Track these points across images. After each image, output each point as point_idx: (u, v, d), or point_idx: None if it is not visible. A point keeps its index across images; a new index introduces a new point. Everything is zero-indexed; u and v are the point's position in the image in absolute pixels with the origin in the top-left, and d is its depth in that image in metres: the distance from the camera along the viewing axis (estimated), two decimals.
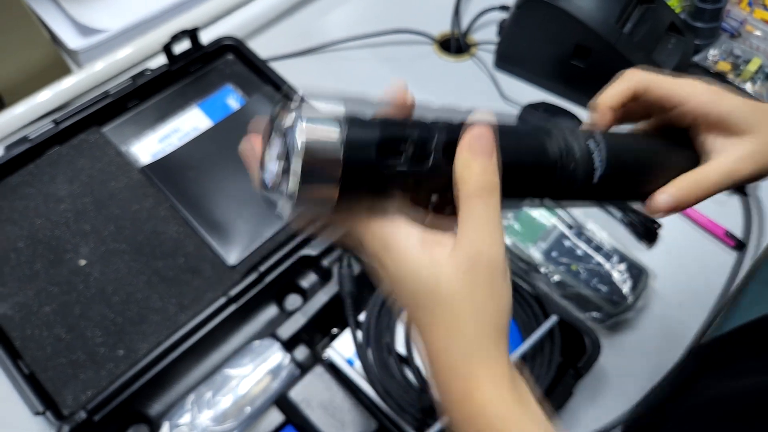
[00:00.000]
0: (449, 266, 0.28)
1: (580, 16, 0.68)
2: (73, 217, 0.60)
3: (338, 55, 0.81)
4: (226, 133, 0.66)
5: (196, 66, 0.72)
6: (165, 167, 0.64)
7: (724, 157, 0.38)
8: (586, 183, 0.36)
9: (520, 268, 0.61)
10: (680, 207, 0.38)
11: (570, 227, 0.63)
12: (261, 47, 0.75)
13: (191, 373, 0.56)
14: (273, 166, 0.30)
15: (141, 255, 0.58)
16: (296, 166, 0.27)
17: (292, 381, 0.52)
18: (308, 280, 0.61)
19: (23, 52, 0.71)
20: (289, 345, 0.55)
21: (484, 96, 0.78)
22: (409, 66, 0.80)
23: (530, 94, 0.78)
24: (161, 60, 0.70)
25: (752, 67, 0.77)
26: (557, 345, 0.53)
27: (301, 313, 0.56)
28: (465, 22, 0.84)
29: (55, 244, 0.58)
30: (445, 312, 0.28)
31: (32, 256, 0.58)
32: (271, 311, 0.60)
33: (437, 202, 0.32)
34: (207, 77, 0.72)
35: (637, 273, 0.60)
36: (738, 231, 0.67)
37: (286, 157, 0.29)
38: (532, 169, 0.34)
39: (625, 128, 0.42)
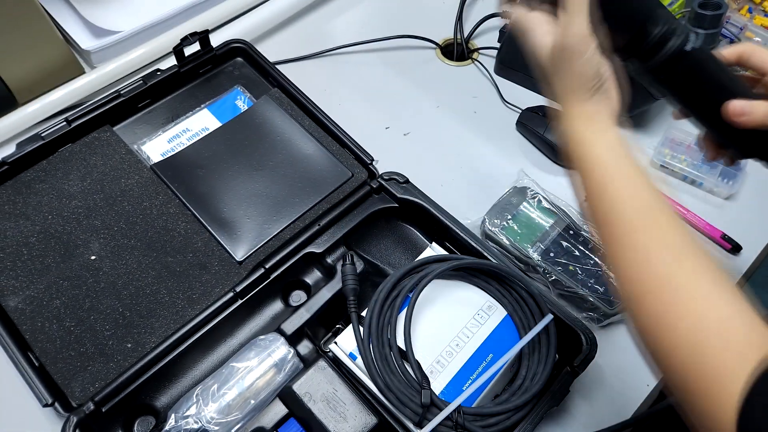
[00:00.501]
0: (551, 46, 0.43)
1: None
2: (84, 213, 0.61)
3: (344, 59, 0.83)
4: (234, 133, 0.68)
5: (205, 68, 0.74)
6: (174, 165, 0.65)
7: None
8: (678, 49, 0.41)
9: (517, 268, 0.62)
10: (752, 117, 0.42)
11: (568, 228, 0.64)
12: (269, 50, 0.77)
13: (198, 367, 0.57)
14: None
15: (151, 250, 0.60)
16: None
17: (295, 374, 0.54)
18: (313, 277, 0.63)
19: (37, 52, 0.72)
20: (293, 339, 0.56)
21: (485, 100, 0.79)
22: (413, 70, 0.82)
23: (530, 99, 0.79)
24: (172, 61, 0.71)
25: (752, 73, 0.78)
26: (553, 343, 0.54)
27: (305, 308, 0.57)
28: (468, 28, 0.86)
29: (67, 239, 0.60)
30: (549, 77, 0.44)
31: (44, 250, 0.59)
32: (276, 306, 0.61)
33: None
34: (216, 79, 0.74)
35: None
36: (734, 234, 0.68)
37: None
38: (634, 10, 0.41)
39: None
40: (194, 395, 0.53)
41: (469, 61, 0.84)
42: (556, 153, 0.73)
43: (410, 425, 0.50)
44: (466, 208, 0.66)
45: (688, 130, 0.74)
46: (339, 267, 0.59)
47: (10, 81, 0.71)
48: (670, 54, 0.42)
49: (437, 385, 0.52)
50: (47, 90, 0.73)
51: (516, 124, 0.77)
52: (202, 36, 0.70)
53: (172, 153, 0.66)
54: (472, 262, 0.57)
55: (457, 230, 0.61)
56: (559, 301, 0.61)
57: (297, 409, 0.53)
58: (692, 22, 0.77)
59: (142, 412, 0.55)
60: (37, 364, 0.53)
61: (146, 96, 0.70)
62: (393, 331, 0.53)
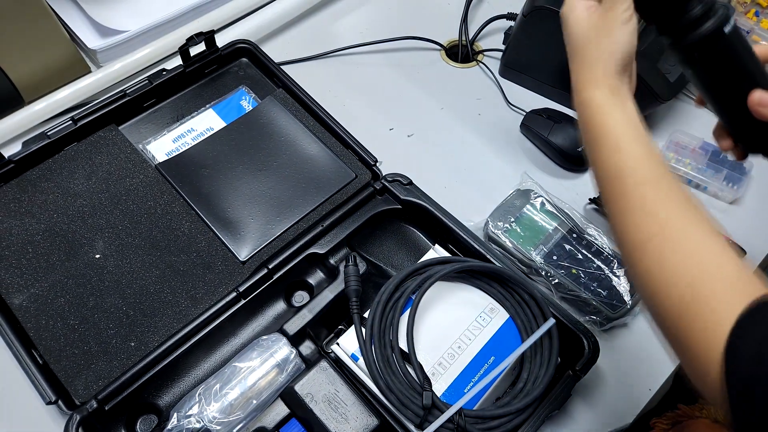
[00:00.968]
0: (591, 17, 0.45)
1: None
2: (89, 211, 0.62)
3: (349, 60, 0.83)
4: (239, 133, 0.68)
5: (211, 68, 0.74)
6: (179, 165, 0.65)
7: None
8: (717, 29, 0.42)
9: (520, 271, 0.62)
10: None
11: (571, 231, 0.64)
12: (274, 51, 0.77)
13: (200, 366, 0.58)
14: None
15: (155, 250, 0.60)
16: None
17: (297, 375, 0.54)
18: (315, 277, 0.63)
19: (43, 51, 0.73)
20: (295, 340, 0.56)
21: (489, 102, 0.79)
22: (417, 72, 0.82)
23: (535, 101, 0.79)
24: (177, 61, 0.72)
25: None
26: (556, 347, 0.54)
27: (307, 309, 0.57)
28: (473, 30, 0.86)
29: (72, 237, 0.60)
30: (580, 46, 0.46)
31: (49, 248, 0.59)
32: (279, 307, 0.61)
33: None
34: (221, 79, 0.74)
35: None
36: (739, 239, 0.68)
37: None
38: None
39: None
40: (197, 394, 0.53)
41: (474, 62, 0.84)
42: (560, 155, 0.73)
43: (411, 427, 0.50)
44: (470, 210, 0.67)
45: (693, 134, 0.74)
46: (342, 268, 0.59)
47: (17, 79, 0.72)
48: (708, 33, 0.42)
49: (439, 388, 0.52)
50: (53, 89, 0.74)
51: (520, 126, 0.76)
52: (208, 36, 0.71)
53: (177, 153, 0.67)
54: (474, 264, 0.57)
55: (460, 232, 0.61)
56: (561, 305, 0.61)
57: (298, 409, 0.53)
58: None
59: (144, 411, 0.56)
60: (41, 362, 0.54)
61: (152, 95, 0.71)
62: (395, 333, 0.53)
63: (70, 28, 0.78)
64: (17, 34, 0.70)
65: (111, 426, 0.54)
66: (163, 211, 0.62)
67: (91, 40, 0.77)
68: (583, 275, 0.61)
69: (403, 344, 0.53)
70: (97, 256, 0.59)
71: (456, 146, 0.75)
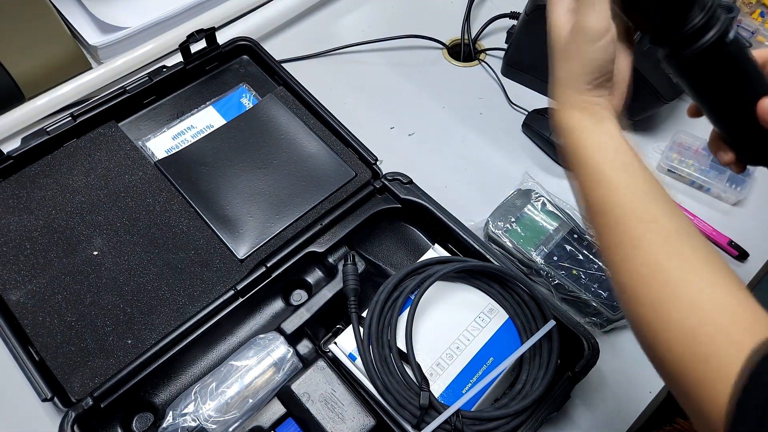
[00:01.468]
0: (566, 34, 0.41)
1: None
2: (87, 208, 0.61)
3: (350, 58, 0.83)
4: (239, 131, 0.68)
5: (211, 65, 0.74)
6: (178, 162, 0.65)
7: None
8: (719, 39, 0.39)
9: (520, 271, 0.62)
10: None
11: (572, 232, 0.64)
12: (275, 49, 0.77)
13: (197, 364, 0.57)
14: None
15: (153, 247, 0.60)
16: None
17: (294, 374, 0.54)
18: (314, 276, 0.63)
19: (44, 47, 0.73)
20: (293, 339, 0.56)
21: (491, 101, 0.79)
22: (419, 71, 0.82)
23: (537, 101, 0.79)
24: (178, 58, 0.71)
25: None
26: (555, 348, 0.53)
27: (305, 308, 0.57)
28: (475, 28, 0.86)
29: (70, 234, 0.60)
30: (555, 64, 0.42)
31: (47, 245, 0.59)
32: (276, 305, 0.61)
33: None
34: (222, 77, 0.74)
35: None
36: (742, 241, 0.67)
37: None
38: None
39: None
40: (193, 393, 0.53)
41: (476, 61, 0.83)
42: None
43: (408, 427, 0.50)
44: (470, 209, 0.66)
45: (697, 135, 0.73)
46: (340, 267, 0.59)
47: (17, 75, 0.72)
48: (711, 42, 0.39)
49: (436, 388, 0.51)
50: (54, 85, 0.74)
51: (522, 125, 0.76)
52: (209, 33, 0.70)
53: (177, 150, 0.66)
54: (474, 264, 0.57)
55: (460, 232, 0.60)
56: (561, 306, 0.60)
57: (295, 408, 0.52)
58: None
59: (140, 409, 0.55)
60: (37, 359, 0.53)
61: (152, 92, 0.70)
62: (393, 333, 0.53)
63: (71, 24, 0.78)
64: (18, 30, 0.70)
65: (107, 423, 0.54)
66: (162, 209, 0.62)
67: (92, 36, 0.77)
68: (583, 276, 0.61)
69: (401, 344, 0.52)
70: (95, 253, 0.59)
71: (457, 145, 0.75)
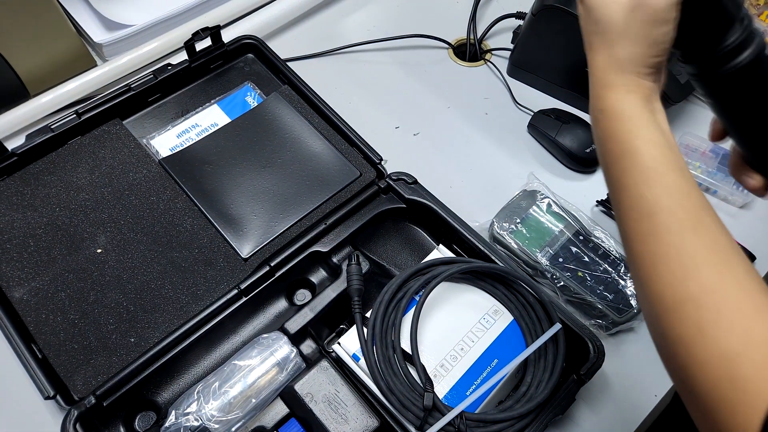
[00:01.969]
0: (624, 6, 0.37)
1: None
2: (91, 206, 0.61)
3: (356, 57, 0.82)
4: (243, 129, 0.68)
5: (216, 63, 0.73)
6: (183, 161, 0.65)
7: None
8: (756, 59, 0.37)
9: (525, 273, 0.62)
10: None
11: (577, 234, 0.63)
12: (281, 47, 0.76)
13: (200, 363, 0.57)
14: None
15: (156, 245, 0.59)
16: None
17: (298, 374, 0.53)
18: (318, 276, 0.62)
19: (49, 45, 0.73)
20: (296, 339, 0.56)
21: (496, 102, 0.79)
22: (425, 70, 0.81)
23: (543, 101, 0.78)
24: (183, 56, 0.71)
25: None
26: (561, 351, 0.53)
27: (309, 307, 0.57)
28: (481, 28, 0.85)
29: (73, 231, 0.60)
30: (608, 36, 0.38)
31: (50, 242, 0.59)
32: (280, 305, 0.61)
33: None
34: (227, 75, 0.74)
35: None
36: (748, 244, 0.67)
37: None
38: (722, 8, 0.37)
39: None
40: (195, 392, 0.52)
41: (482, 61, 0.83)
42: (568, 156, 0.72)
43: (412, 429, 0.50)
44: (475, 210, 0.66)
45: (703, 137, 0.73)
46: (344, 267, 0.58)
47: (23, 72, 0.72)
48: (748, 61, 0.37)
49: (440, 389, 0.51)
50: (59, 82, 0.74)
51: (527, 126, 0.76)
52: (214, 31, 0.70)
53: (181, 148, 0.66)
54: (479, 265, 0.56)
55: (465, 233, 0.60)
56: (567, 308, 0.60)
57: (298, 409, 0.52)
58: None
59: (143, 408, 0.55)
60: (40, 356, 0.53)
61: (156, 90, 0.70)
62: (397, 334, 0.53)
63: (76, 21, 0.78)
64: (24, 28, 0.70)
65: (109, 422, 0.54)
66: (166, 207, 0.62)
67: (97, 34, 0.77)
68: (589, 278, 0.60)
69: (405, 345, 0.52)
70: (99, 250, 0.59)
71: (462, 145, 0.75)
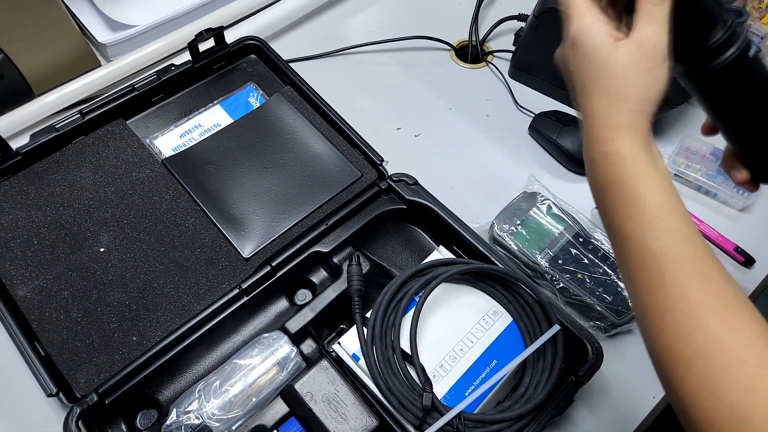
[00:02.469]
0: (623, 46, 0.37)
1: None
2: (95, 205, 0.62)
3: (358, 59, 0.83)
4: (245, 130, 0.68)
5: (219, 64, 0.74)
6: (185, 161, 0.65)
7: None
8: (740, 56, 0.39)
9: (525, 274, 0.62)
10: None
11: (577, 236, 0.64)
12: (283, 48, 0.77)
13: (201, 362, 0.58)
14: None
15: (159, 244, 0.60)
16: None
17: (298, 374, 0.54)
18: (318, 276, 0.63)
19: (54, 44, 0.73)
20: (297, 338, 0.56)
21: (498, 104, 0.79)
22: (426, 71, 0.82)
23: (544, 103, 0.79)
24: (186, 57, 0.72)
25: None
26: (560, 353, 0.53)
27: (310, 307, 0.57)
28: (483, 30, 0.85)
29: (77, 230, 0.60)
30: (608, 78, 0.37)
31: (54, 241, 0.59)
32: (281, 304, 0.61)
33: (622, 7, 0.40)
34: (230, 76, 0.74)
35: None
36: (748, 247, 0.67)
37: None
38: (704, 9, 0.38)
39: None
40: (196, 390, 0.53)
41: (483, 63, 0.83)
42: (568, 158, 0.72)
43: (411, 429, 0.50)
44: (475, 211, 0.66)
45: (704, 140, 0.73)
46: (345, 267, 0.59)
47: (27, 72, 0.72)
48: (733, 59, 0.39)
49: (439, 390, 0.51)
50: (63, 82, 0.74)
51: (528, 128, 0.76)
52: (217, 32, 0.71)
53: (184, 148, 0.67)
54: (479, 266, 0.57)
55: (465, 234, 0.60)
56: (566, 309, 0.60)
57: (298, 408, 0.53)
58: None
59: (144, 406, 0.56)
60: (43, 354, 0.54)
61: (160, 90, 0.71)
62: (397, 334, 0.53)
63: (80, 21, 0.78)
64: (28, 28, 0.70)
65: (111, 420, 0.54)
66: (168, 207, 0.62)
67: (101, 34, 0.77)
68: (588, 280, 0.61)
69: (404, 345, 0.52)
70: (102, 249, 0.59)
71: (463, 147, 0.75)
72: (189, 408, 0.52)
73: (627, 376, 0.59)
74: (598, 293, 0.60)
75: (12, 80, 0.72)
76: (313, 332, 0.58)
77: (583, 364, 0.54)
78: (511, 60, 0.81)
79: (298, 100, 0.71)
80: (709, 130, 0.45)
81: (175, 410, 0.52)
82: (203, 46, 0.71)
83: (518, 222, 0.65)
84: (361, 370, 0.53)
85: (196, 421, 0.51)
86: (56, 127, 0.65)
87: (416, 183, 0.64)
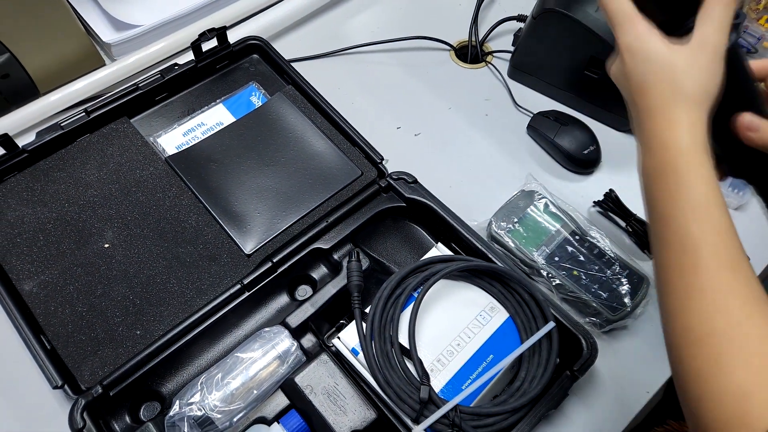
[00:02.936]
0: (684, 44, 0.39)
1: (596, 29, 0.69)
2: (99, 202, 0.63)
3: (359, 58, 0.84)
4: (248, 128, 0.69)
5: (222, 63, 0.75)
6: (188, 159, 0.66)
7: None
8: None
9: (522, 271, 0.63)
10: (760, 135, 0.41)
11: (574, 233, 0.65)
12: (285, 48, 0.78)
13: (203, 356, 0.59)
14: None
15: (162, 241, 0.61)
16: None
17: (298, 367, 0.55)
18: (319, 272, 0.64)
19: (59, 44, 0.74)
20: (297, 333, 0.57)
21: (497, 103, 0.80)
22: (426, 71, 0.83)
23: (542, 103, 0.80)
24: (189, 56, 0.73)
25: None
26: (555, 348, 0.54)
27: (310, 303, 0.58)
28: (482, 30, 0.86)
29: (82, 226, 0.61)
30: (670, 73, 0.39)
31: (59, 237, 0.60)
32: (282, 300, 0.62)
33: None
34: (232, 75, 0.75)
35: (638, 281, 0.61)
36: (744, 245, 0.67)
37: None
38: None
39: None
40: (199, 383, 0.54)
41: (483, 63, 0.84)
42: (566, 157, 0.73)
43: (408, 421, 0.51)
44: (474, 209, 0.67)
45: None
46: (345, 263, 0.60)
47: (33, 71, 0.73)
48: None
49: (437, 384, 0.52)
50: (68, 81, 0.75)
51: (527, 128, 0.77)
52: (220, 32, 0.72)
53: (187, 146, 0.68)
54: (476, 263, 0.57)
55: (463, 231, 0.61)
56: (562, 306, 0.61)
57: (298, 400, 0.54)
58: None
59: (148, 398, 0.57)
60: (48, 347, 0.55)
61: (163, 89, 0.72)
62: (395, 329, 0.54)
63: (85, 21, 0.79)
64: (34, 27, 0.71)
65: (115, 411, 0.55)
66: (172, 203, 0.63)
67: (106, 33, 0.78)
68: (584, 277, 0.62)
69: (402, 339, 0.53)
70: (106, 245, 0.61)
71: (462, 146, 0.76)
72: (191, 400, 0.53)
73: (621, 371, 0.60)
74: (593, 290, 0.61)
75: (18, 79, 0.73)
76: (314, 327, 0.59)
77: (578, 359, 0.55)
78: (510, 60, 0.82)
79: (300, 100, 0.72)
80: None
81: (178, 402, 0.53)
82: (206, 46, 0.72)
83: (516, 220, 0.66)
84: (360, 363, 0.54)
85: (199, 413, 0.52)
86: (61, 125, 0.66)
87: (415, 181, 0.65)
